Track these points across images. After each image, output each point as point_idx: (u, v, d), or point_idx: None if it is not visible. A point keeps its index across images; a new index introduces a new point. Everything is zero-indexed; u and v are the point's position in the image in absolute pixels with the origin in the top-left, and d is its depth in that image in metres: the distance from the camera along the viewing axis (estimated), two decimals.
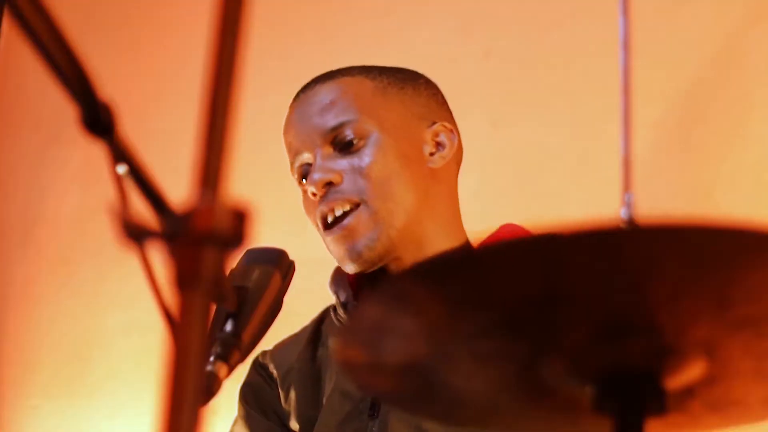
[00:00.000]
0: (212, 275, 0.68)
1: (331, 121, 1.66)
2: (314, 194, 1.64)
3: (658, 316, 0.85)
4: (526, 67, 2.46)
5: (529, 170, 2.38)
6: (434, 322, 0.88)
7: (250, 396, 1.74)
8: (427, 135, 1.69)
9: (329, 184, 1.64)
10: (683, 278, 0.82)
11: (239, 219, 0.68)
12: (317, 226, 1.67)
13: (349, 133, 1.65)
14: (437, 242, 1.66)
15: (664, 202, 2.18)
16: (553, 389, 0.93)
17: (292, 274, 1.31)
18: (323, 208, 1.64)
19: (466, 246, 1.69)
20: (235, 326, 1.15)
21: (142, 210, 0.76)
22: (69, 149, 2.98)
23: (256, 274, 1.23)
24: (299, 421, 1.68)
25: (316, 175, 1.64)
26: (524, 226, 1.72)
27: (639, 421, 0.91)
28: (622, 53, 0.99)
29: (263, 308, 1.20)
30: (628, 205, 0.94)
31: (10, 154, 3.11)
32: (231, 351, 1.13)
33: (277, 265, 1.26)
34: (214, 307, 1.10)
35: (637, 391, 0.90)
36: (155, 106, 2.91)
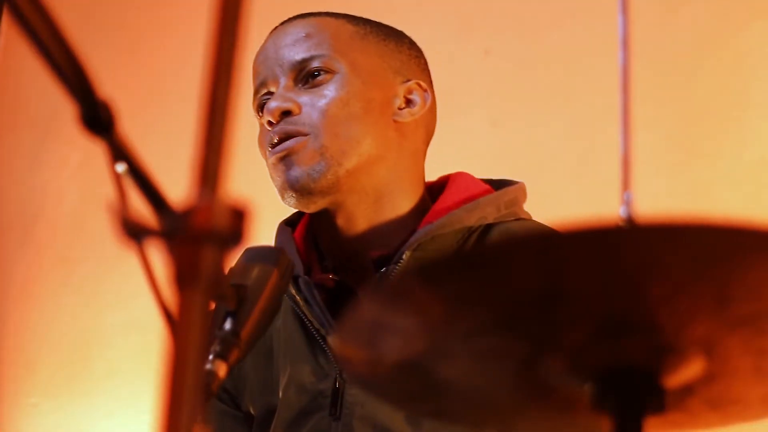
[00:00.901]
0: (211, 274, 0.68)
1: (301, 53, 1.61)
2: (270, 123, 1.58)
3: (657, 315, 0.85)
4: (526, 66, 2.46)
5: (528, 169, 2.38)
6: (433, 320, 0.88)
7: None
8: (400, 89, 1.64)
9: (286, 114, 1.58)
10: (682, 276, 0.82)
11: (238, 217, 0.68)
12: (265, 157, 1.61)
13: (315, 66, 1.60)
14: (391, 197, 1.60)
15: (663, 200, 2.18)
16: (552, 387, 0.93)
17: (291, 273, 1.31)
18: (273, 137, 1.58)
19: (422, 205, 1.62)
20: (234, 324, 1.15)
21: (141, 208, 0.76)
22: (68, 148, 2.98)
23: (255, 273, 1.23)
24: (255, 407, 1.63)
25: (273, 103, 1.58)
26: (474, 176, 1.69)
27: (638, 419, 0.91)
28: (621, 52, 0.99)
29: (262, 306, 1.19)
30: (627, 203, 0.94)
31: (9, 153, 3.11)
32: (230, 349, 1.13)
33: (276, 264, 1.26)
34: (213, 306, 1.10)
35: (636, 389, 0.90)
36: (154, 104, 2.91)
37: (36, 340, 2.90)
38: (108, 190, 0.82)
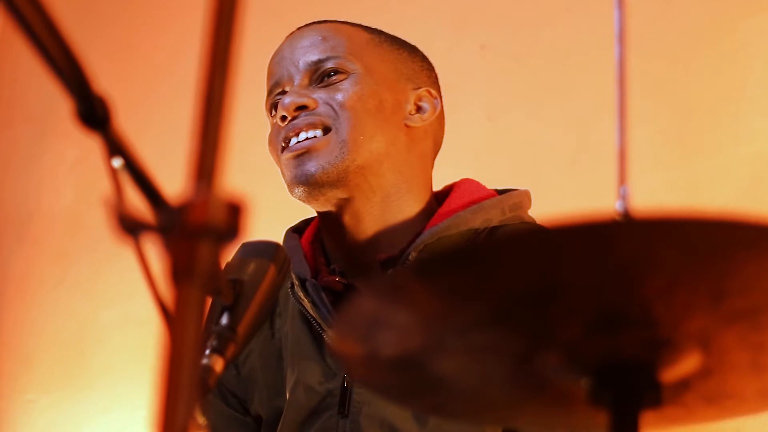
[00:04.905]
0: (208, 268, 0.68)
1: (316, 54, 1.64)
2: (283, 118, 1.60)
3: (653, 309, 0.85)
4: (522, 60, 2.46)
5: (524, 163, 2.38)
6: (429, 315, 0.88)
7: None
8: (411, 96, 1.66)
9: (302, 108, 1.60)
10: (678, 271, 0.82)
11: (234, 212, 0.68)
12: (277, 153, 1.62)
13: (330, 66, 1.62)
14: (398, 199, 1.62)
15: (659, 195, 2.18)
16: (548, 382, 0.93)
17: (288, 268, 1.31)
18: (288, 131, 1.59)
19: (429, 209, 1.64)
20: (231, 319, 1.15)
21: (137, 203, 0.76)
22: (64, 143, 2.98)
23: (251, 268, 1.23)
24: (264, 410, 1.63)
25: (288, 99, 1.60)
26: (480, 182, 1.70)
27: (634, 413, 0.91)
28: (617, 46, 0.99)
29: (259, 301, 1.19)
30: (624, 197, 0.94)
31: (5, 148, 3.11)
32: (227, 344, 1.13)
33: (272, 259, 1.26)
34: (209, 301, 1.10)
35: (632, 383, 0.90)
36: (151, 98, 2.91)
37: (32, 336, 2.90)
38: (104, 186, 0.82)
